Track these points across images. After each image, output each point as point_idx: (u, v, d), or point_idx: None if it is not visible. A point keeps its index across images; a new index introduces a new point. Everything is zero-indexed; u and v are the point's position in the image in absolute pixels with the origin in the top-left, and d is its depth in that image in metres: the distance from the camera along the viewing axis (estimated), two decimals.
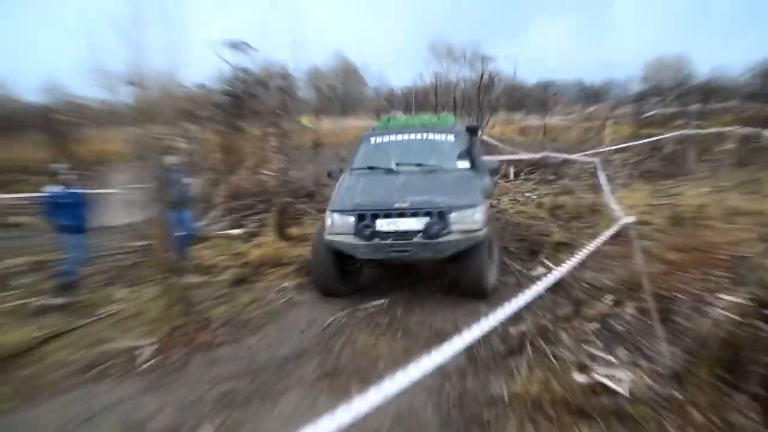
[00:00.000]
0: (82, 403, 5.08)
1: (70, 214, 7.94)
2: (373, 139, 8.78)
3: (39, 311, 7.37)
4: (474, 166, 7.98)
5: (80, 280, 8.23)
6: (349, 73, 49.35)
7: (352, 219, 7.04)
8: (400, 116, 9.64)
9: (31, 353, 6.11)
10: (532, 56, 76.13)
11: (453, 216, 6.79)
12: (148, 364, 5.71)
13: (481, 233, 6.85)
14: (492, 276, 7.22)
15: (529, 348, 5.40)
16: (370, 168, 8.14)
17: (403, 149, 8.41)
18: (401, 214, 6.89)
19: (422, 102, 28.42)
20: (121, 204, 10.88)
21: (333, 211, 7.25)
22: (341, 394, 4.98)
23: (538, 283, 4.76)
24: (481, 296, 6.99)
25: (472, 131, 8.74)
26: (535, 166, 17.02)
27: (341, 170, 8.52)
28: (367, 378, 5.18)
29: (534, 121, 30.84)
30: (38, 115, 21.54)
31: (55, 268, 8.90)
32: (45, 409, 5.06)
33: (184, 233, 8.83)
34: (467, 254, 6.86)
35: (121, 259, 9.53)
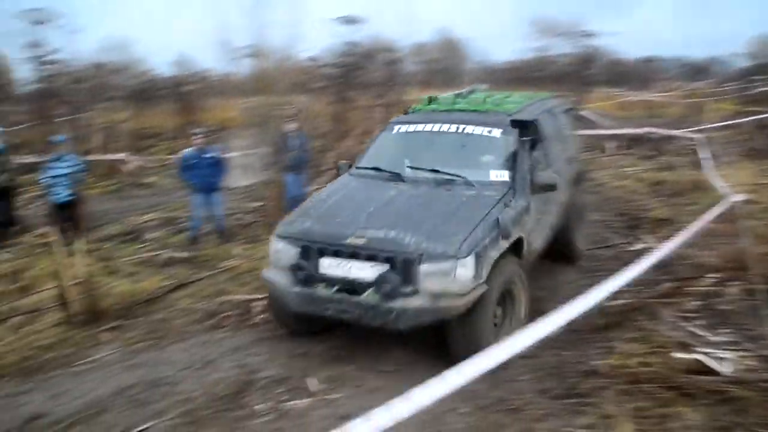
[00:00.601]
0: (204, 347, 5.27)
1: (202, 174, 8.24)
2: (397, 128, 6.21)
3: (167, 263, 7.71)
4: (514, 178, 5.34)
5: (204, 235, 8.53)
6: (451, 47, 48.61)
7: (294, 251, 4.82)
8: (446, 96, 6.96)
9: (161, 300, 6.39)
10: (634, 33, 72.05)
11: (423, 269, 4.38)
12: (261, 316, 5.83)
13: (463, 302, 4.33)
14: None
15: (627, 322, 5.11)
16: (375, 169, 5.78)
17: (428, 145, 5.91)
18: (354, 254, 4.61)
19: (522, 77, 27.53)
20: (239, 167, 11.18)
21: (278, 235, 5.05)
22: (442, 355, 4.91)
23: (641, 258, 4.48)
24: None
25: (522, 126, 5.72)
26: (635, 141, 16.16)
27: (350, 166, 6.18)
28: None
29: (634, 96, 29.25)
30: (170, 86, 22.44)
31: (182, 224, 9.28)
32: (173, 350, 5.30)
33: (297, 195, 8.98)
34: (459, 319, 4.48)
35: (240, 218, 9.78)
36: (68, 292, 5.80)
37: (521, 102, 6.45)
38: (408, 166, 5.64)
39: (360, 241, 4.59)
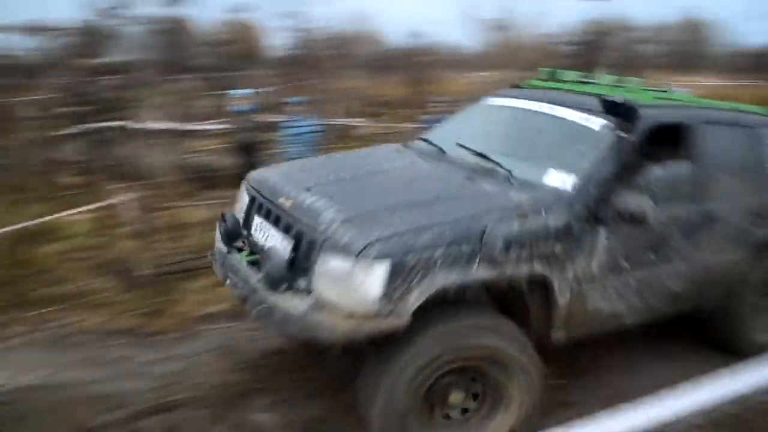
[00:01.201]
0: None
1: None
2: (487, 101, 5.19)
3: None
4: (581, 189, 3.68)
5: None
6: (696, 29, 44.50)
7: (246, 201, 4.20)
8: (571, 73, 5.13)
9: None
10: None
11: (321, 260, 3.16)
12: None
13: (345, 327, 3.05)
14: None
15: None
16: (426, 141, 4.87)
17: (503, 124, 4.80)
18: (278, 218, 3.69)
19: None
20: None
21: (245, 180, 4.44)
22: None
23: None
24: None
25: (620, 114, 3.93)
26: None
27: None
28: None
29: None
30: (404, 57, 23.28)
31: None
32: None
33: None
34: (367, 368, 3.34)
35: None
36: None
37: (682, 101, 4.69)
38: (457, 144, 4.49)
39: (286, 203, 3.64)
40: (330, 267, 3.10)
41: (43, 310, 5.45)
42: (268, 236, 3.73)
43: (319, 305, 3.10)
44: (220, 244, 4.05)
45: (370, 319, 3.00)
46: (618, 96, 4.08)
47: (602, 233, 3.67)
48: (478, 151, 4.21)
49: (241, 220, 4.10)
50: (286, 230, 3.53)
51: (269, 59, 23.50)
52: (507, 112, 4.82)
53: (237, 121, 10.17)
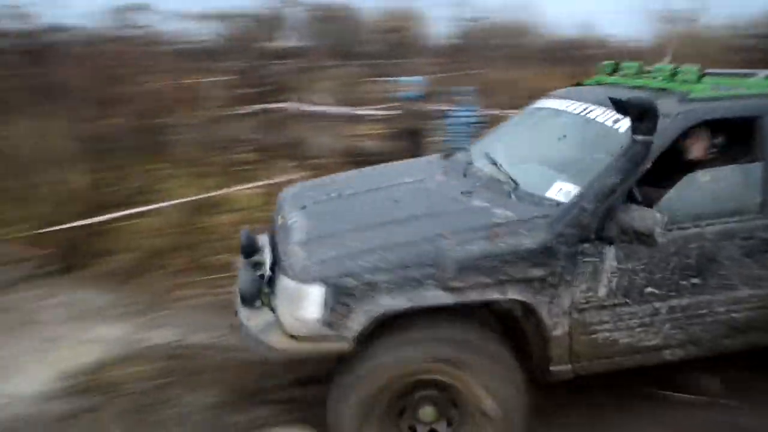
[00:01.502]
0: None
1: None
2: (540, 103, 4.65)
3: None
4: (573, 204, 3.16)
5: None
6: None
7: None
8: (630, 65, 4.33)
9: None
10: None
11: (278, 279, 3.25)
12: None
13: (284, 346, 3.03)
14: None
15: None
16: (465, 149, 4.57)
17: (536, 128, 4.42)
18: (273, 236, 3.84)
19: None
20: None
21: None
22: None
23: None
24: None
25: (629, 113, 3.11)
26: None
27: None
28: None
29: None
30: (571, 48, 22.57)
31: None
32: None
33: None
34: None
35: None
36: None
37: (758, 88, 3.66)
38: (485, 152, 4.12)
39: (280, 221, 3.72)
40: (281, 287, 3.14)
41: (214, 276, 5.83)
42: (267, 252, 3.80)
43: (277, 324, 3.11)
44: (240, 257, 4.11)
45: (312, 341, 2.97)
46: (637, 93, 3.54)
47: (611, 254, 3.17)
48: (495, 160, 3.90)
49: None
50: (273, 249, 3.63)
51: (433, 48, 23.71)
52: (550, 115, 4.35)
53: (402, 107, 10.29)
